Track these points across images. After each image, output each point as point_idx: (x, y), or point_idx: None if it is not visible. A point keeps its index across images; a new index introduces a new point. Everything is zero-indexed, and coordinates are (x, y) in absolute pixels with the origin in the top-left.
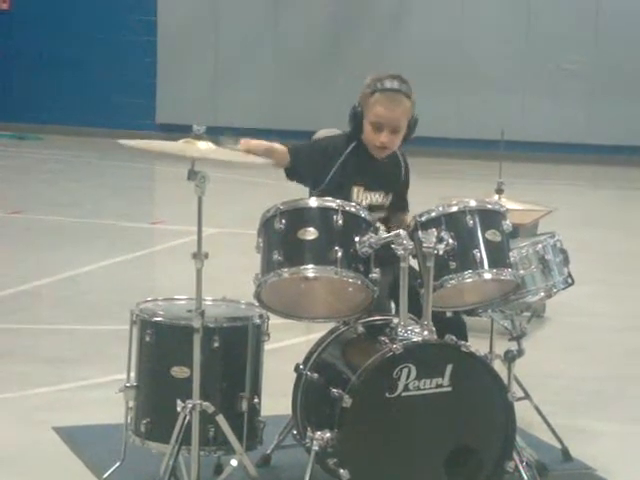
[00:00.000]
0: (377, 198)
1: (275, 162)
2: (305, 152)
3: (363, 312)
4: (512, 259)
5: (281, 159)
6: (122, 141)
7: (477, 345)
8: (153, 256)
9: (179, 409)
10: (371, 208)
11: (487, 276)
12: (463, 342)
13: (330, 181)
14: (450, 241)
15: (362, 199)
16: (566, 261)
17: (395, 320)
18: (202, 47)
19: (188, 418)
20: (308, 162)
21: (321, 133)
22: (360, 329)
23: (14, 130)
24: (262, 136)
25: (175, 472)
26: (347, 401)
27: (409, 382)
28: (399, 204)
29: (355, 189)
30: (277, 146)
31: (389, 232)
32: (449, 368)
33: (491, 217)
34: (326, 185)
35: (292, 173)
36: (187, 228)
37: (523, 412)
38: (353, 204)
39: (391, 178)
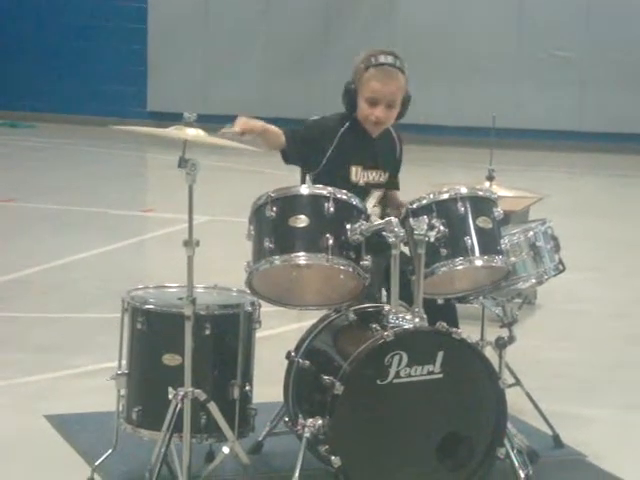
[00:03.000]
0: (374, 176)
1: (270, 145)
2: (301, 134)
3: (354, 299)
4: (503, 246)
5: (276, 142)
6: (116, 127)
7: (468, 332)
8: (144, 244)
9: (171, 397)
10: (369, 186)
11: (478, 263)
12: (454, 329)
13: (328, 161)
14: (441, 228)
15: (360, 177)
16: (557, 248)
17: (386, 307)
18: (193, 35)
19: (180, 406)
20: (305, 144)
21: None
22: (351, 316)
23: (6, 118)
24: None
25: (167, 459)
26: (339, 388)
27: (400, 369)
28: (391, 182)
29: (353, 168)
30: (272, 128)
31: (385, 215)
32: (440, 355)
33: (482, 204)
34: (324, 166)
35: (289, 155)
36: (178, 216)
37: (514, 399)
38: (344, 191)
39: (387, 156)
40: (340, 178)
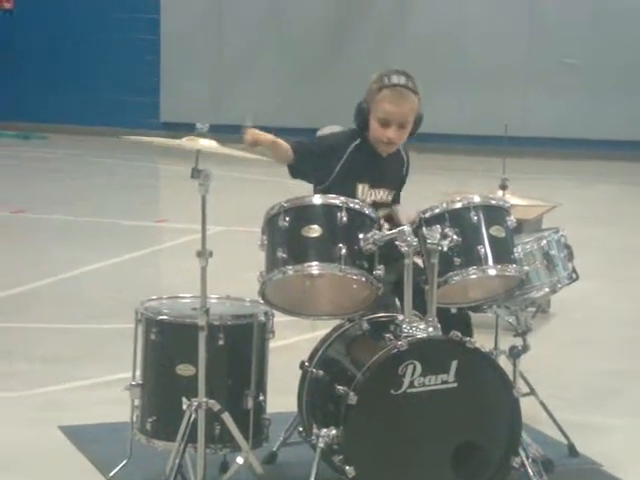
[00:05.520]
0: (382, 195)
1: (278, 158)
2: (309, 149)
3: (367, 309)
4: (516, 255)
5: (284, 155)
6: (128, 137)
7: (482, 341)
8: (157, 254)
9: (185, 407)
10: (375, 205)
11: (492, 272)
12: (468, 338)
13: (335, 178)
14: (454, 237)
15: (367, 196)
16: (570, 256)
17: (400, 317)
18: (205, 45)
19: (194, 416)
20: (312, 159)
21: (324, 130)
22: (365, 326)
23: (19, 129)
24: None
25: (181, 470)
26: (352, 398)
27: (414, 379)
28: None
29: (360, 186)
30: (281, 142)
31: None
32: (454, 364)
33: (495, 213)
34: (330, 182)
35: (296, 170)
36: (191, 226)
37: (529, 408)
38: (357, 201)
39: (395, 175)
40: (346, 195)
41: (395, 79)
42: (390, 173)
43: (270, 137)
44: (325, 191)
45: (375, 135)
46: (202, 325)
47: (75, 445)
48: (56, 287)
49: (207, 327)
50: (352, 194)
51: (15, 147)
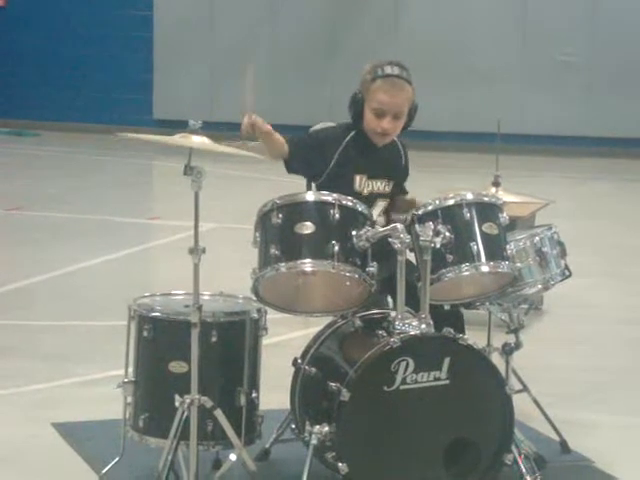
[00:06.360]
0: (379, 186)
1: (273, 153)
2: (304, 143)
3: (360, 306)
4: (509, 252)
5: (279, 150)
6: (121, 134)
7: (475, 338)
8: (150, 251)
9: (177, 404)
10: (374, 196)
11: (484, 269)
12: (461, 335)
13: (331, 171)
14: (447, 234)
15: (364, 187)
16: (563, 253)
17: (393, 314)
18: (199, 42)
19: (186, 413)
20: (308, 153)
21: (317, 128)
22: (358, 323)
23: (12, 126)
24: None
25: (174, 467)
26: (345, 395)
27: (407, 375)
28: (397, 190)
29: (357, 177)
30: (277, 135)
31: (390, 223)
32: (447, 361)
33: (488, 210)
34: (327, 175)
35: (292, 165)
36: (184, 223)
37: (521, 405)
38: (350, 198)
39: (392, 165)
40: (344, 187)
41: (389, 69)
42: (387, 163)
43: (268, 127)
44: (322, 184)
45: (370, 126)
46: (195, 322)
47: (68, 442)
48: (49, 284)
49: (200, 324)
50: (350, 186)
51: (8, 144)
